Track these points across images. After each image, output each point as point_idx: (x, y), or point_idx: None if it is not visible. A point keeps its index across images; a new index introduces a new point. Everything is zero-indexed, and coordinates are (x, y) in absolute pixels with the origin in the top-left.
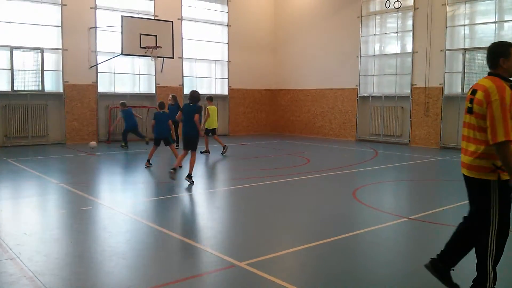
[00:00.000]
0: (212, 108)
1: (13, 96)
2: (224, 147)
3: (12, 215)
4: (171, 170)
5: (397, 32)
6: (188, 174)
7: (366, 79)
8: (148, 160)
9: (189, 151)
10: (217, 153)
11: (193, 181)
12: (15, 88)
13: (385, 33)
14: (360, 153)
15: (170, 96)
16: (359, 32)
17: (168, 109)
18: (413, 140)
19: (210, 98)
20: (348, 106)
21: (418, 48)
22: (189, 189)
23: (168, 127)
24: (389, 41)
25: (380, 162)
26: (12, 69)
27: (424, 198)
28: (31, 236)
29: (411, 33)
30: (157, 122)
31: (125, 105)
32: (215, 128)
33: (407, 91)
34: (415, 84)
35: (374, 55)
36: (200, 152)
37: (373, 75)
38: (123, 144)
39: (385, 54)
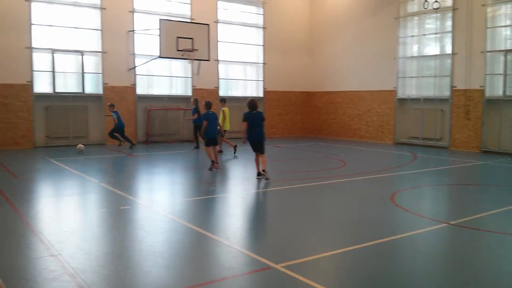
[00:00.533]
0: (227, 110)
1: (55, 98)
2: (234, 147)
3: (54, 213)
4: (262, 172)
5: (436, 33)
6: (263, 170)
7: (404, 81)
8: (213, 162)
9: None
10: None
11: (268, 177)
12: (57, 90)
13: (424, 34)
14: (399, 157)
15: (192, 99)
16: (396, 33)
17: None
18: (453, 144)
19: (224, 100)
20: (385, 108)
21: (457, 49)
22: (225, 190)
23: (217, 126)
24: (427, 42)
25: (419, 165)
26: (53, 72)
27: (465, 203)
28: (72, 234)
29: (450, 34)
30: (209, 122)
31: (114, 106)
32: (226, 130)
33: (446, 93)
34: (455, 86)
35: (412, 57)
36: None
37: (412, 77)
38: (121, 143)
39: (423, 56)
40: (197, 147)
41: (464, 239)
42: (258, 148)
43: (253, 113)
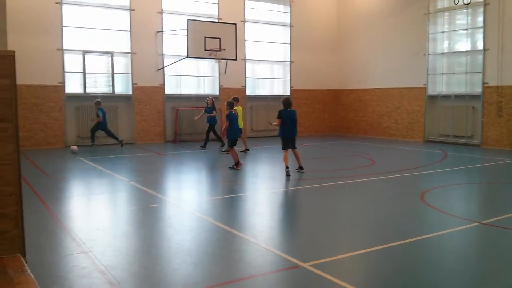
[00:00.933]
0: (239, 109)
1: (86, 98)
2: (246, 149)
3: (85, 211)
4: (288, 170)
5: (467, 29)
6: (300, 167)
7: (434, 77)
8: (238, 163)
9: (292, 149)
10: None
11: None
12: (88, 91)
13: (454, 30)
14: (429, 155)
15: (208, 99)
16: (426, 29)
17: (205, 111)
18: (485, 142)
19: (237, 99)
20: (415, 105)
21: (489, 45)
22: (253, 188)
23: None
24: (458, 38)
25: (450, 164)
26: (84, 72)
27: (497, 202)
28: (103, 232)
29: (481, 30)
30: (232, 123)
31: (100, 103)
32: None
33: (478, 90)
34: (487, 83)
35: (442, 53)
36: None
37: (442, 73)
38: (92, 143)
39: (454, 52)
40: (203, 146)
41: (495, 238)
42: (292, 143)
43: (289, 111)
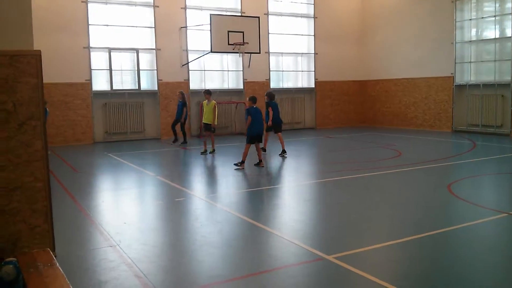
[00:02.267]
0: (212, 103)
1: (112, 95)
2: (205, 151)
3: (112, 205)
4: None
5: (495, 16)
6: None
7: (462, 66)
8: (242, 163)
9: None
10: (301, 146)
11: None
12: (114, 87)
13: (482, 17)
14: (457, 145)
15: (178, 92)
16: (453, 17)
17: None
18: None
19: (209, 92)
20: (443, 95)
21: None
22: (278, 182)
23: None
24: (486, 25)
25: (479, 154)
26: (110, 69)
27: None
28: (130, 225)
29: (510, 17)
30: (254, 118)
31: (47, 103)
32: (209, 124)
33: (507, 78)
34: None
35: (470, 41)
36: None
37: (470, 62)
38: None
39: (482, 40)
40: (175, 140)
41: None
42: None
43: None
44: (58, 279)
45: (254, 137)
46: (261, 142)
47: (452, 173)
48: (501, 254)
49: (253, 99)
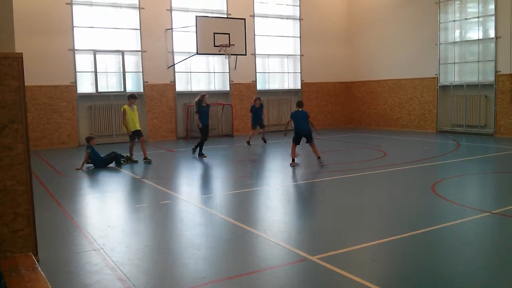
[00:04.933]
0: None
1: (97, 97)
2: (144, 158)
3: (97, 208)
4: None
5: (478, 17)
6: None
7: (446, 67)
8: (293, 159)
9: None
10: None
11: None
12: (99, 90)
13: (466, 19)
14: (441, 145)
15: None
16: (437, 18)
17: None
18: (499, 131)
19: (133, 96)
20: (427, 96)
21: (501, 33)
22: (263, 183)
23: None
24: (470, 26)
25: (463, 154)
26: (95, 72)
27: (510, 191)
28: (114, 229)
29: (493, 18)
30: (295, 120)
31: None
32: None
33: (491, 78)
34: (500, 71)
35: (454, 42)
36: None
37: (454, 63)
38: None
39: (466, 41)
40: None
41: (506, 228)
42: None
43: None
44: (40, 283)
45: (295, 137)
46: (310, 142)
47: (436, 173)
48: (484, 253)
49: (298, 104)
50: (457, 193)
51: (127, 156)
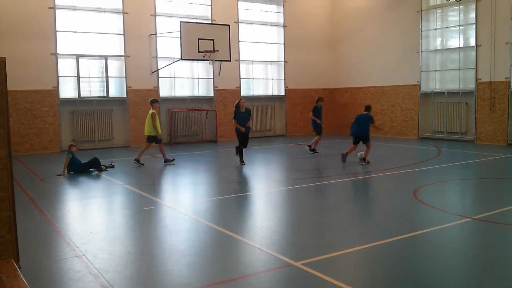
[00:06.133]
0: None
1: (80, 102)
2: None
3: (79, 215)
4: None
5: (459, 26)
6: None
7: (428, 75)
8: (346, 154)
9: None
10: (270, 154)
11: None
12: (82, 95)
13: (447, 27)
14: (423, 152)
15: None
16: (419, 26)
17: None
18: (479, 137)
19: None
20: (409, 103)
21: (482, 41)
22: (247, 189)
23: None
24: (451, 35)
25: (444, 160)
26: (78, 77)
27: (490, 197)
28: (96, 235)
29: (474, 26)
30: (356, 122)
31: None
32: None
33: (471, 86)
34: (480, 79)
35: (435, 50)
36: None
37: (435, 70)
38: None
39: (447, 49)
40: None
41: (487, 233)
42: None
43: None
44: None
45: (354, 138)
46: (366, 142)
47: (418, 179)
48: (465, 258)
49: (367, 108)
50: (439, 199)
51: (110, 164)
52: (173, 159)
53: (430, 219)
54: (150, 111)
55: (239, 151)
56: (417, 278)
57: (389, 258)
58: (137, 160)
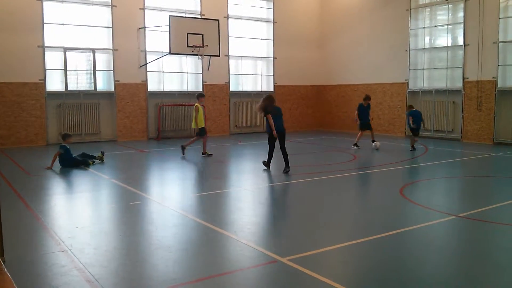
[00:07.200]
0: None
1: (67, 96)
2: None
3: (65, 209)
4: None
5: (447, 25)
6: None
7: (416, 73)
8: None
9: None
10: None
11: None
12: (69, 88)
13: (435, 26)
14: (410, 149)
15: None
16: (408, 25)
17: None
18: (465, 136)
19: (201, 95)
20: (397, 101)
21: (469, 40)
22: (234, 185)
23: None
24: (439, 33)
25: (430, 158)
26: (65, 70)
27: (475, 195)
28: (82, 230)
29: (462, 25)
30: (412, 117)
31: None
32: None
33: (458, 85)
34: (467, 78)
35: (424, 49)
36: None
37: (423, 69)
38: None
39: (435, 47)
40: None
41: (472, 231)
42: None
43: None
44: (7, 285)
45: (412, 130)
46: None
47: (404, 176)
48: (450, 255)
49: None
50: (425, 196)
51: (99, 155)
52: (211, 154)
53: (416, 216)
54: (195, 105)
55: (267, 160)
56: (402, 275)
57: (375, 255)
58: (205, 153)
